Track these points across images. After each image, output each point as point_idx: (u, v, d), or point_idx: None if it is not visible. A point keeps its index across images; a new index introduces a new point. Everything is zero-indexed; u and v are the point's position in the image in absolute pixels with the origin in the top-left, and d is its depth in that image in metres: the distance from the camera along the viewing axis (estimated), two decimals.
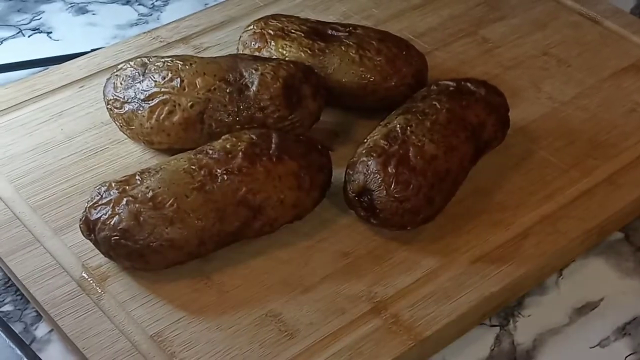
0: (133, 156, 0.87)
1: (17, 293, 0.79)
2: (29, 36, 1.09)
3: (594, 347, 0.76)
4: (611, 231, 0.85)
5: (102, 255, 0.76)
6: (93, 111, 0.92)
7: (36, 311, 0.77)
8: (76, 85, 0.95)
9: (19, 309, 0.78)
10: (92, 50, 1.01)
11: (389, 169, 0.77)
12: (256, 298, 0.75)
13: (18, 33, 1.09)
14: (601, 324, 0.78)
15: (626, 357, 0.75)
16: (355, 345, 0.72)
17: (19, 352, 0.74)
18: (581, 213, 0.82)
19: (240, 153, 0.76)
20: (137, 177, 0.75)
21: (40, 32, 1.09)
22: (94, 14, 1.13)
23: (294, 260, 0.78)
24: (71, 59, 0.99)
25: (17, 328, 0.76)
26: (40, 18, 1.12)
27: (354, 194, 0.78)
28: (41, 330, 0.76)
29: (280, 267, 0.77)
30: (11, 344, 0.74)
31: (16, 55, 1.04)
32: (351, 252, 0.79)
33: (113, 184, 0.75)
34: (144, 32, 1.03)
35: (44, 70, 0.98)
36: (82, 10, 1.13)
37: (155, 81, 0.83)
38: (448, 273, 0.77)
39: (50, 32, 1.09)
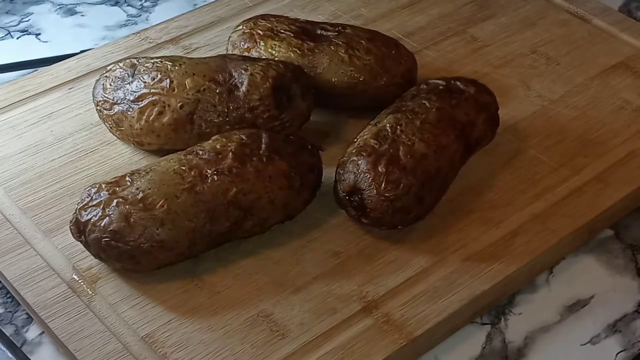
0: (123, 157, 0.87)
1: (8, 295, 0.79)
2: (17, 38, 1.08)
3: (584, 344, 0.76)
4: (601, 229, 0.85)
5: (92, 257, 0.76)
6: (82, 113, 0.91)
7: (27, 313, 0.77)
8: (65, 86, 0.95)
9: (9, 312, 0.78)
10: (81, 51, 1.01)
11: (379, 168, 0.77)
12: (247, 298, 0.75)
13: (7, 35, 1.09)
14: (592, 321, 0.78)
15: (617, 354, 0.75)
16: (347, 345, 0.72)
17: (9, 354, 0.73)
18: (571, 211, 0.83)
19: (231, 153, 0.76)
20: (127, 179, 0.75)
21: (28, 34, 1.09)
22: (82, 15, 1.12)
23: (285, 260, 0.78)
24: (60, 60, 0.99)
25: (8, 331, 0.76)
26: (29, 20, 1.11)
27: (344, 194, 0.78)
28: (32, 332, 0.76)
29: (272, 267, 0.77)
30: (2, 347, 0.74)
31: (5, 57, 1.04)
32: (342, 252, 0.79)
33: (103, 186, 0.75)
34: (133, 33, 1.02)
35: (33, 71, 0.98)
36: (70, 12, 1.13)
37: (145, 82, 0.83)
38: (439, 272, 0.77)
39: (39, 34, 1.09)
